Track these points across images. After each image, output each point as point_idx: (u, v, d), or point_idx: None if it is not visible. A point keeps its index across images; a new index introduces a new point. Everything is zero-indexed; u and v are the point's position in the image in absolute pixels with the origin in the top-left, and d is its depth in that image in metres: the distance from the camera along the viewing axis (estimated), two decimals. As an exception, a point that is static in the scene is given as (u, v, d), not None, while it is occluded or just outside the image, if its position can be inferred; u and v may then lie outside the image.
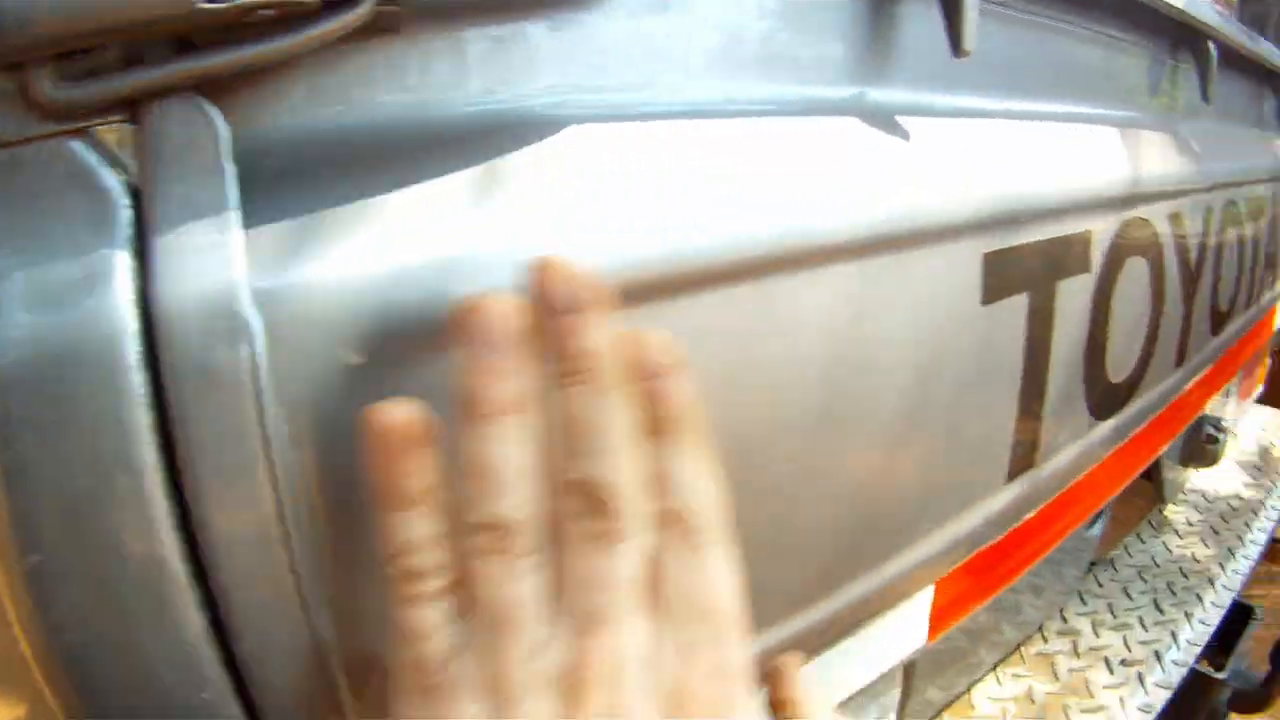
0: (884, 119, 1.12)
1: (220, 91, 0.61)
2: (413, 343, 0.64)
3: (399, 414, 0.55)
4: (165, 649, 0.63)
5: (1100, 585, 2.54)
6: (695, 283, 0.84)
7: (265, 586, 0.64)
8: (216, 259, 0.58)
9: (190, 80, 0.58)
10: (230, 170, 0.60)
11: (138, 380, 0.56)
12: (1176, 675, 2.20)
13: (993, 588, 1.63)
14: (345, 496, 0.65)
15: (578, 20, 0.80)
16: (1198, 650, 2.32)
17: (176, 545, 0.61)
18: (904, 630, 1.39)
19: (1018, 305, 1.34)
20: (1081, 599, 2.46)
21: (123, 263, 0.56)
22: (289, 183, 0.65)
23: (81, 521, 0.58)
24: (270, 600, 0.65)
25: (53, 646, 0.61)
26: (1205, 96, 1.90)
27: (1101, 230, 1.54)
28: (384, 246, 0.64)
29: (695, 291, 0.84)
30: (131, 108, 0.58)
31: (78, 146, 0.56)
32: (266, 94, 0.66)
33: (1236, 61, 2.34)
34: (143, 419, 0.57)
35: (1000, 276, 1.26)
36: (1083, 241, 1.48)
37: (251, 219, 0.60)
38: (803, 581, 1.11)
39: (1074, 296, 1.49)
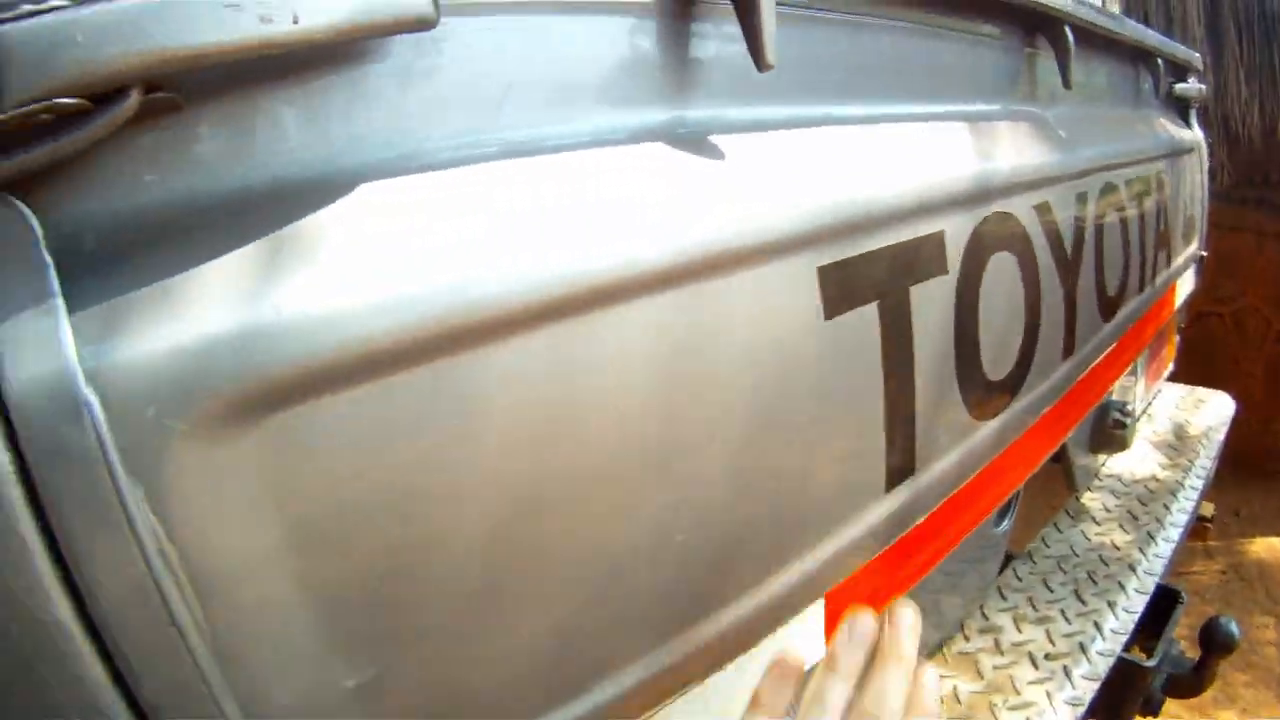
0: (696, 140, 1.10)
1: (22, 187, 0.65)
2: (233, 406, 0.68)
3: (791, 653, 0.79)
4: (71, 699, 0.67)
5: (1019, 579, 2.52)
6: (518, 323, 0.84)
7: (152, 639, 0.68)
8: (48, 345, 0.61)
9: None
10: (47, 260, 0.64)
11: (3, 459, 0.60)
12: (1104, 666, 2.18)
13: (888, 595, 1.58)
14: (213, 547, 0.69)
15: (357, 79, 0.81)
16: (1124, 639, 2.30)
17: (68, 605, 0.64)
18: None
19: (867, 316, 1.30)
20: (1001, 594, 2.44)
21: None
22: (102, 265, 0.68)
23: None
24: (160, 651, 0.68)
25: None
26: (1066, 83, 1.87)
27: (956, 229, 1.50)
28: (197, 318, 0.67)
29: (521, 331, 0.84)
30: None
31: None
32: (67, 185, 0.68)
33: (1102, 45, 2.33)
34: (14, 493, 0.61)
35: (841, 289, 1.23)
36: (935, 243, 1.45)
37: (73, 303, 0.64)
38: (682, 607, 1.11)
39: (933, 300, 1.46)
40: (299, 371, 0.70)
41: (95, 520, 0.63)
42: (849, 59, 1.41)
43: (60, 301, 0.63)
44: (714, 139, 1.12)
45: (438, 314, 0.77)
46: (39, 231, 0.64)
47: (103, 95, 0.62)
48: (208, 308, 0.67)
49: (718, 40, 1.15)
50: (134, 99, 0.64)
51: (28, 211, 0.64)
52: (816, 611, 1.41)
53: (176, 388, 0.65)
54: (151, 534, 0.65)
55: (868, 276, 1.29)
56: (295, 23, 0.66)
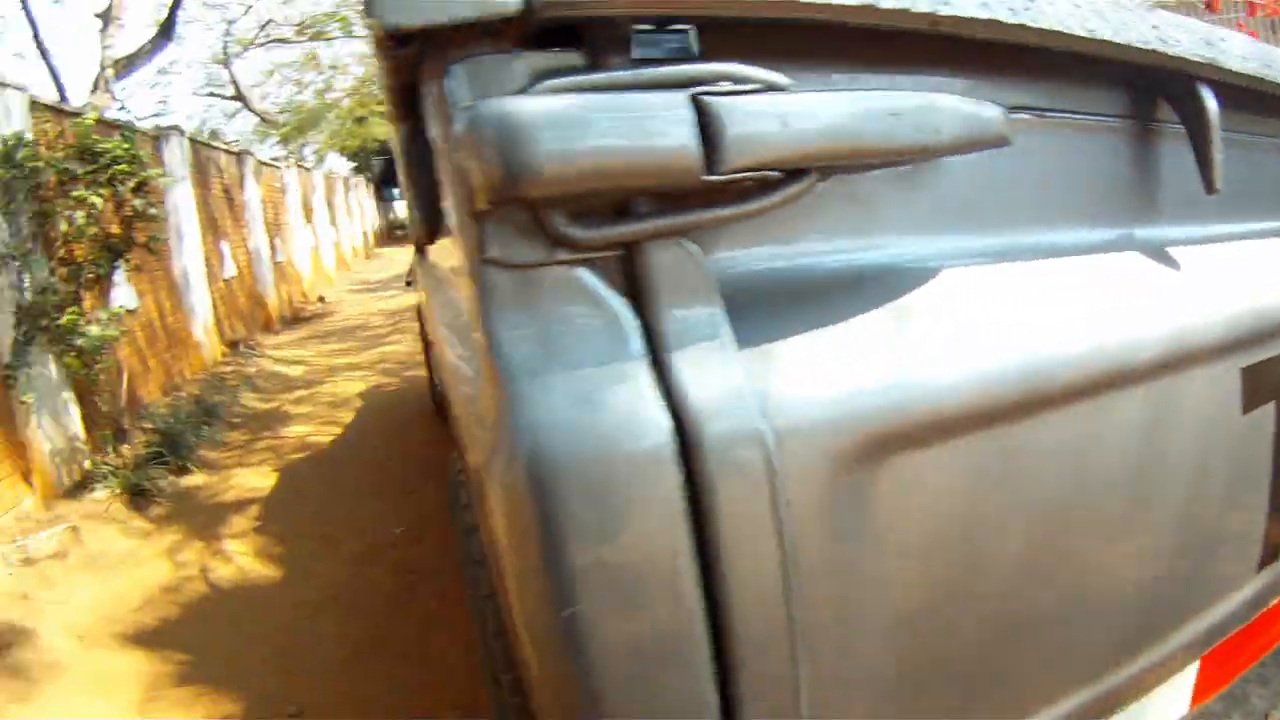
0: (1155, 252, 1.25)
1: (693, 237, 0.76)
2: (865, 447, 0.77)
3: None
4: (675, 699, 0.74)
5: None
6: (1032, 406, 0.96)
7: (768, 659, 0.76)
8: (726, 373, 0.71)
9: (680, 229, 0.74)
10: (718, 299, 0.74)
11: (673, 472, 0.69)
12: None
13: (1244, 664, 1.66)
14: (834, 565, 0.79)
15: (941, 180, 0.97)
16: None
17: (699, 609, 0.73)
18: (1168, 701, 1.46)
19: (1268, 412, 1.41)
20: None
21: (642, 373, 0.70)
22: (758, 312, 0.78)
23: (617, 586, 0.69)
24: (768, 649, 0.76)
25: (572, 688, 0.72)
26: None
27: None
28: (844, 367, 0.78)
29: (1030, 415, 0.97)
30: (625, 244, 0.72)
31: (584, 273, 0.71)
32: (734, 241, 0.82)
33: None
34: (678, 505, 0.70)
35: (1257, 386, 1.35)
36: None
37: (739, 340, 0.75)
38: (1088, 659, 1.21)
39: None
40: (916, 423, 0.81)
41: (750, 534, 0.72)
42: (1271, 176, 1.54)
43: (732, 339, 0.74)
44: (1167, 252, 1.27)
45: (1013, 385, 0.90)
46: (709, 272, 0.75)
47: (790, 172, 0.74)
48: (851, 359, 0.78)
49: (1166, 167, 1.31)
50: (812, 180, 0.76)
51: (704, 258, 0.75)
52: (1191, 671, 1.48)
53: (830, 425, 0.76)
54: (792, 546, 0.75)
55: (1275, 375, 1.40)
56: (937, 134, 0.78)
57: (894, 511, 0.84)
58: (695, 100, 0.68)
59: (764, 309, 0.79)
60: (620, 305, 0.74)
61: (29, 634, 4.08)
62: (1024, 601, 1.02)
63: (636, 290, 0.74)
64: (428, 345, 6.43)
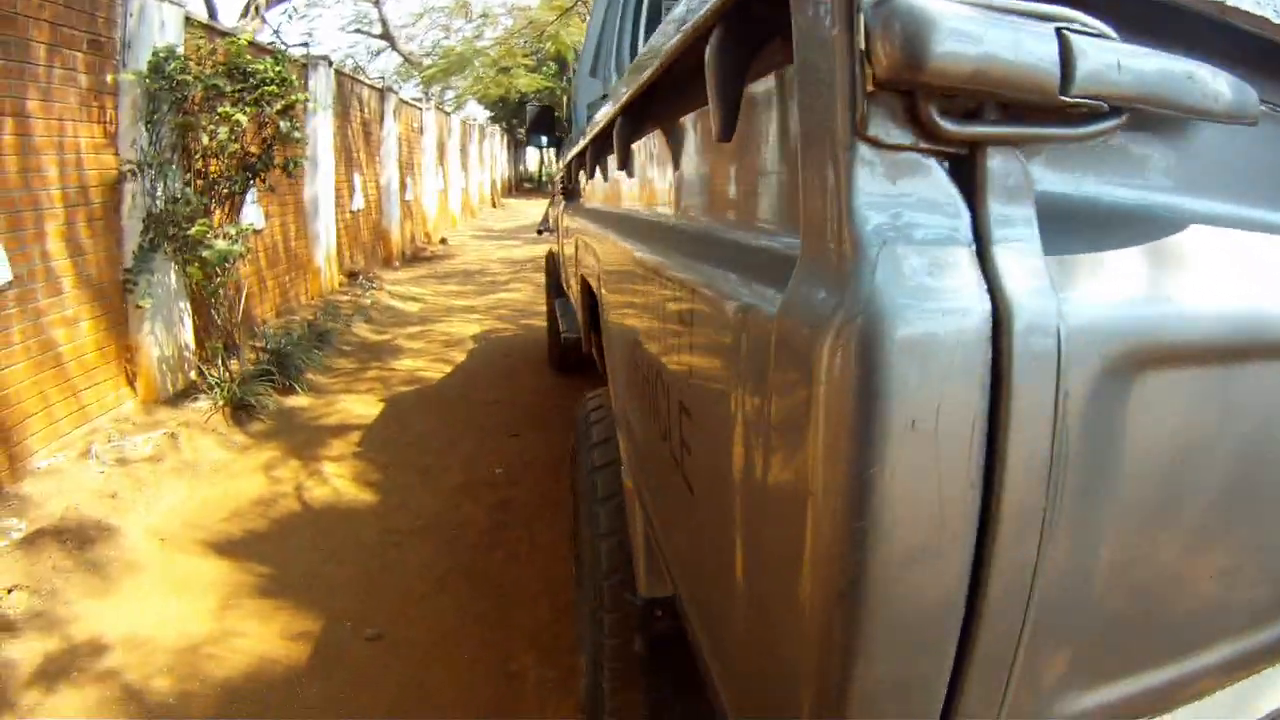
0: None
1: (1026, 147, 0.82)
2: (1128, 358, 0.82)
3: None
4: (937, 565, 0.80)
5: None
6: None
7: (1021, 538, 0.81)
8: (1035, 272, 0.78)
9: (1018, 139, 0.81)
10: (1033, 207, 0.81)
11: (986, 351, 0.76)
12: None
13: None
14: (1094, 462, 0.83)
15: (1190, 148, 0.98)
16: None
17: (980, 481, 0.78)
18: None
19: None
20: None
21: (970, 260, 0.77)
22: (1060, 226, 0.83)
23: (925, 451, 0.75)
24: (1019, 544, 0.81)
25: (851, 588, 0.77)
26: None
27: None
28: (1121, 285, 0.83)
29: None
30: (972, 143, 0.79)
31: (935, 163, 0.79)
32: (1052, 162, 0.89)
33: None
34: (985, 380, 0.76)
35: None
36: None
37: (1045, 247, 0.80)
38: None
39: None
40: (1169, 346, 0.85)
41: (1032, 414, 0.77)
42: None
43: (1040, 245, 0.80)
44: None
45: (1243, 331, 0.91)
46: (1029, 182, 0.81)
47: (1113, 108, 0.80)
48: (1124, 281, 0.83)
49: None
50: (1123, 119, 0.82)
51: (1026, 164, 0.81)
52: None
53: (1105, 332, 0.81)
54: (1062, 432, 0.80)
55: None
56: (1216, 100, 0.84)
57: (1138, 424, 0.87)
58: (1059, 32, 0.77)
59: (1063, 225, 0.84)
60: (957, 197, 0.80)
61: (113, 532, 4.02)
62: (1224, 538, 1.03)
63: (971, 187, 0.81)
64: (556, 296, 6.31)
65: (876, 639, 0.81)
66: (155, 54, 5.39)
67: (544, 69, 26.05)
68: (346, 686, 3.02)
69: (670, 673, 1.94)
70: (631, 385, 1.84)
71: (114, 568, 3.77)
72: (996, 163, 0.81)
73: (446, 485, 4.81)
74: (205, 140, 5.70)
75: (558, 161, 6.70)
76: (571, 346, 6.53)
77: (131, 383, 5.38)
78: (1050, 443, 0.79)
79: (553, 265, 6.85)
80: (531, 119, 6.19)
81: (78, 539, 3.86)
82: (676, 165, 1.54)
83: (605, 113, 1.84)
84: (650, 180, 1.76)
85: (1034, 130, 0.81)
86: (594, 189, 2.52)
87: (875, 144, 0.79)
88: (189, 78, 5.52)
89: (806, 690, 0.88)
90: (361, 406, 6.36)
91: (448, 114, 20.82)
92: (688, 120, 1.45)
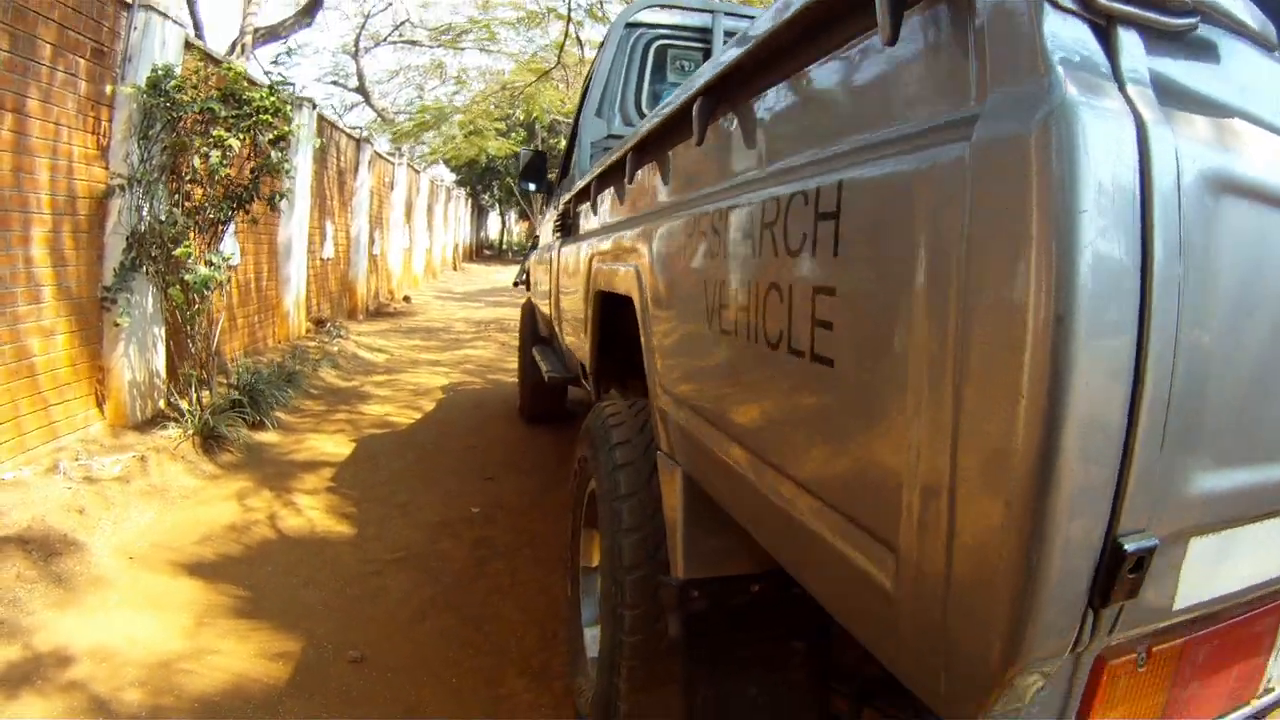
0: None
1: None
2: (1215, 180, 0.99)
3: None
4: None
5: None
6: None
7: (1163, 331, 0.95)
8: (1153, 106, 0.96)
9: (1137, 20, 1.00)
10: (1148, 70, 1.00)
11: (1133, 150, 0.93)
12: None
13: None
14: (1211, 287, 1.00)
15: None
16: None
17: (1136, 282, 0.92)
18: None
19: None
20: None
21: (1116, 90, 0.95)
22: (1168, 89, 1.01)
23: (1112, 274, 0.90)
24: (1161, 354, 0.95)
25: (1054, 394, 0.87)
26: None
27: None
28: (1210, 136, 1.03)
29: None
30: (1108, 17, 0.99)
31: (1088, 30, 0.99)
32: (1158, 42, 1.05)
33: None
34: (1135, 172, 0.92)
35: None
36: None
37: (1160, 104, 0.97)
38: None
39: None
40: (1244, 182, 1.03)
41: (1165, 204, 0.94)
42: None
43: (1154, 94, 0.97)
44: None
45: None
46: (1145, 55, 0.99)
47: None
48: (1213, 131, 1.04)
49: None
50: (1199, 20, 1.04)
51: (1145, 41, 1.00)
52: None
53: (1201, 155, 0.98)
54: (1186, 227, 0.96)
55: None
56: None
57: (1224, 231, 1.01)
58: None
59: (1171, 90, 1.01)
60: (1101, 51, 0.98)
61: (78, 546, 3.87)
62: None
63: (1112, 47, 0.98)
64: (534, 344, 6.29)
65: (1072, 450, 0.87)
66: (155, 70, 5.36)
67: (514, 134, 26.32)
68: (330, 706, 2.89)
69: (707, 651, 1.91)
70: (701, 347, 1.85)
71: (80, 581, 3.61)
72: (1127, 33, 0.99)
73: (424, 521, 4.69)
74: (196, 162, 5.62)
75: (535, 216, 6.74)
76: (551, 390, 6.62)
77: (101, 404, 5.22)
78: (1178, 229, 0.94)
79: (530, 316, 6.84)
80: (524, 164, 6.21)
81: (43, 550, 3.70)
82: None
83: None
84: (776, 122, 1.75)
85: (1144, 13, 0.99)
86: (638, 191, 2.49)
87: (1056, 5, 0.96)
88: (185, 97, 5.47)
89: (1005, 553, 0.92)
90: (332, 445, 6.23)
91: (418, 172, 20.89)
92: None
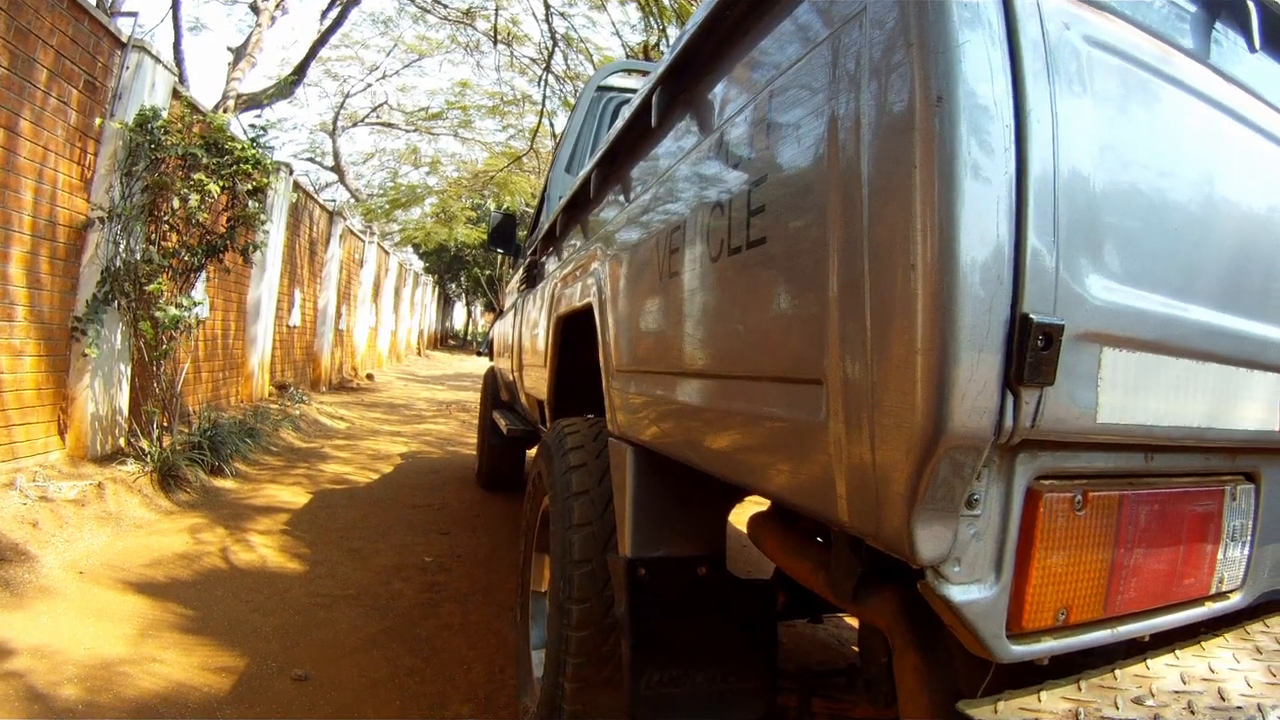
0: None
1: None
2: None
3: None
4: None
5: None
6: None
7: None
8: None
9: None
10: None
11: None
12: None
13: None
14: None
15: None
16: None
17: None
18: None
19: None
20: None
21: None
22: None
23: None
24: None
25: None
26: None
27: None
28: None
29: None
30: None
31: None
32: None
33: None
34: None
35: None
36: None
37: None
38: None
39: None
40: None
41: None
42: None
43: None
44: None
45: None
46: None
47: None
48: None
49: None
50: None
51: None
52: None
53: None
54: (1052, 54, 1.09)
55: None
56: None
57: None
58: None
59: None
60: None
61: (29, 557, 3.85)
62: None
63: None
64: (494, 408, 6.38)
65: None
66: (143, 110, 5.50)
67: (484, 223, 26.63)
68: (269, 716, 2.88)
69: (654, 632, 1.96)
70: (647, 311, 2.00)
71: (28, 589, 3.59)
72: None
73: (377, 565, 4.68)
74: (175, 204, 5.72)
75: (501, 300, 6.90)
76: (509, 456, 6.71)
77: (62, 433, 5.21)
78: (1044, 46, 1.04)
79: (491, 381, 6.95)
80: (493, 226, 6.34)
81: (-7, 555, 3.68)
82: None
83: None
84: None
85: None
86: (595, 215, 2.65)
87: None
88: (170, 140, 5.61)
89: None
90: (289, 495, 6.22)
91: (387, 253, 21.05)
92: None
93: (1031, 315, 0.99)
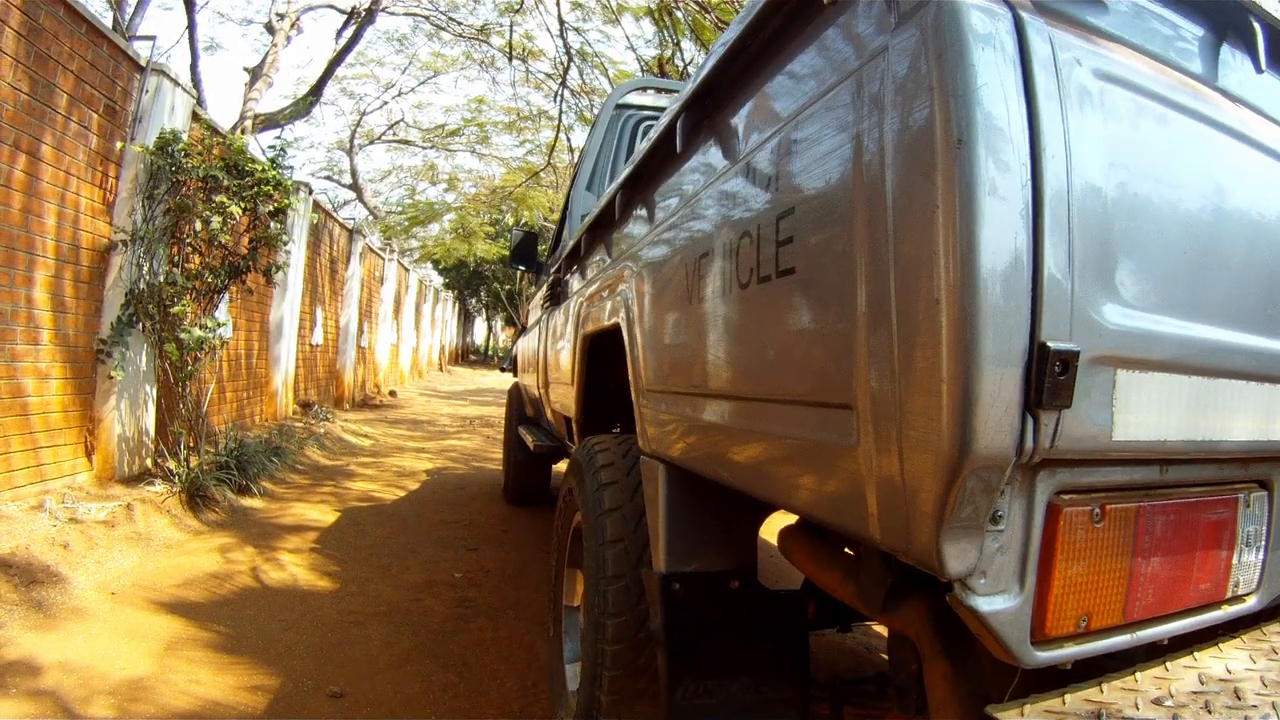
0: None
1: None
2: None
3: None
4: None
5: None
6: None
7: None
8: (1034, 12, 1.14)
9: None
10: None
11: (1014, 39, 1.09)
12: None
13: None
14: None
15: None
16: None
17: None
18: None
19: None
20: None
21: None
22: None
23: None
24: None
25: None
26: None
27: None
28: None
29: None
30: None
31: None
32: None
33: None
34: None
35: None
36: None
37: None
38: None
39: None
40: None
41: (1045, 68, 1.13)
42: None
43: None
44: None
45: None
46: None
47: None
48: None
49: None
50: None
51: None
52: None
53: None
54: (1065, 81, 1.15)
55: None
56: None
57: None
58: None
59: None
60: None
61: (61, 578, 3.86)
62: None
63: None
64: (520, 423, 6.41)
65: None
66: (163, 134, 5.53)
67: (503, 238, 26.75)
68: (308, 733, 2.87)
69: (689, 645, 1.99)
70: (675, 333, 2.03)
71: (60, 610, 3.59)
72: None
73: (407, 582, 4.67)
74: (198, 226, 5.75)
75: (523, 317, 6.91)
76: (536, 471, 6.74)
77: (90, 454, 5.24)
78: (1057, 84, 1.09)
79: (516, 398, 7.01)
80: (515, 244, 6.33)
81: (25, 577, 3.69)
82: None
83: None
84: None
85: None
86: (623, 233, 2.64)
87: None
88: (191, 162, 5.64)
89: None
90: (317, 513, 6.22)
91: (407, 269, 21.13)
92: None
93: (1049, 343, 1.06)
